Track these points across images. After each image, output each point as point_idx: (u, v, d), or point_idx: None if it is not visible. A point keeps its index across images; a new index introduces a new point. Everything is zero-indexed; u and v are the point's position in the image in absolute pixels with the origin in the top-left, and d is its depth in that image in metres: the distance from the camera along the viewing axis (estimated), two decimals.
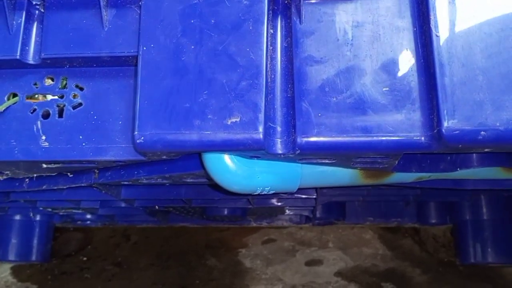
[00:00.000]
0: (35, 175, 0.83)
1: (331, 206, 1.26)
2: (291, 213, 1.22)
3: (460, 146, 0.61)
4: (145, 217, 1.29)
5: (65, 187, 0.87)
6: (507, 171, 0.78)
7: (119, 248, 1.42)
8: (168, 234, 1.43)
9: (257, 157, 0.67)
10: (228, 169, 0.68)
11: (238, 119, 0.63)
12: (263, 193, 0.72)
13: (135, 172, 0.80)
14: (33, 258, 1.28)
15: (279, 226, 1.38)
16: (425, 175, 0.78)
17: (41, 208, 1.15)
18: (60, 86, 0.72)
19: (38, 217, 1.28)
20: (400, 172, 0.74)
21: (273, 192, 0.73)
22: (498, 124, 0.60)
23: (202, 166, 0.72)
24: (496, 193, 1.17)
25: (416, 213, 1.30)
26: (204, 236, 1.43)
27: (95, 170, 0.82)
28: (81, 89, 0.71)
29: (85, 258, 1.38)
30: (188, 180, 0.82)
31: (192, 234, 1.42)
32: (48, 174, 0.82)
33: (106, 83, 0.72)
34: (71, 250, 1.40)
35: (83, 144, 0.70)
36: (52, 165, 0.74)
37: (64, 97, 0.71)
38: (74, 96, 0.71)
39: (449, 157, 0.75)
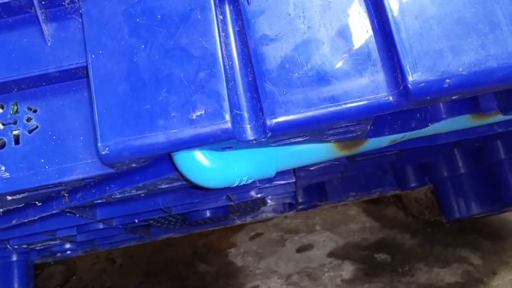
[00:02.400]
0: (1, 210, 0.79)
1: (312, 189, 1.25)
2: (273, 203, 1.20)
3: (428, 97, 0.60)
4: (126, 235, 1.25)
5: (36, 218, 0.83)
6: (475, 117, 0.79)
7: (105, 273, 1.38)
8: (153, 250, 1.40)
9: (229, 148, 0.65)
10: (201, 165, 0.66)
11: (202, 112, 0.61)
12: (241, 184, 0.70)
13: (107, 188, 0.77)
14: None
15: (264, 219, 1.36)
16: (398, 137, 0.77)
17: (16, 247, 1.10)
18: (11, 112, 0.69)
19: (14, 257, 1.23)
20: (373, 137, 0.74)
21: (251, 181, 0.71)
22: (460, 69, 0.59)
23: (174, 168, 0.70)
24: (467, 146, 1.18)
25: (395, 180, 1.31)
26: (190, 244, 1.40)
27: (65, 194, 0.79)
28: (35, 111, 0.68)
29: None
30: (164, 186, 0.80)
31: (177, 245, 1.39)
32: (15, 207, 0.78)
33: (60, 100, 0.69)
34: (55, 284, 1.35)
35: (46, 167, 0.67)
36: (18, 196, 0.70)
37: (18, 122, 0.68)
38: (28, 120, 0.68)
39: (418, 114, 0.75)
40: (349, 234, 1.32)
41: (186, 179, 0.69)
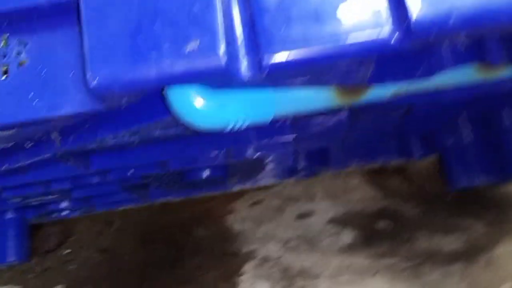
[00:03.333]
0: None
1: (313, 155, 1.23)
2: (273, 167, 1.18)
3: (433, 36, 0.58)
4: (123, 195, 1.24)
5: (27, 164, 0.81)
6: (483, 70, 0.76)
7: (102, 235, 1.37)
8: (151, 213, 1.38)
9: (224, 86, 0.63)
10: (193, 104, 0.63)
11: (196, 46, 0.58)
12: (237, 128, 0.68)
13: (99, 131, 0.75)
14: (11, 259, 1.22)
15: (264, 186, 1.34)
16: (401, 88, 0.74)
17: (10, 200, 1.09)
18: (1, 45, 0.67)
19: (9, 215, 1.22)
20: (375, 83, 0.71)
21: (247, 125, 0.68)
22: (467, 5, 0.56)
23: (167, 109, 0.68)
24: (474, 113, 1.15)
25: (399, 148, 1.28)
26: (188, 209, 1.38)
27: (56, 137, 0.77)
28: (25, 45, 0.66)
29: (67, 251, 1.32)
30: (158, 133, 0.77)
31: (175, 210, 1.37)
32: (5, 149, 0.76)
33: (51, 35, 0.67)
34: (51, 245, 1.34)
35: (35, 102, 0.65)
36: (5, 133, 0.68)
37: (7, 56, 0.66)
38: (18, 53, 0.66)
39: (423, 62, 0.72)
40: (350, 203, 1.29)
41: (179, 121, 0.67)
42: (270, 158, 1.12)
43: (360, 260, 1.08)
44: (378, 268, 1.03)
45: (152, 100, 0.71)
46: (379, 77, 0.71)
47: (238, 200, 1.38)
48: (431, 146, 1.28)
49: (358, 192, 1.33)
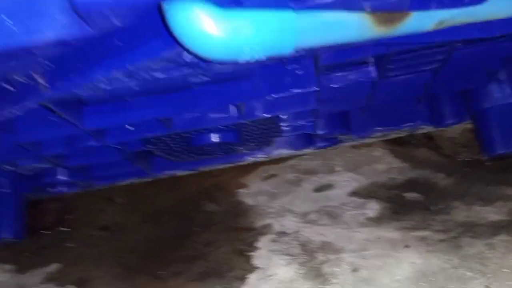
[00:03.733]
0: None
1: (334, 119, 1.11)
2: (288, 132, 1.06)
3: None
4: (125, 168, 1.13)
5: (13, 113, 0.71)
6: None
7: (104, 213, 1.26)
8: (156, 190, 1.27)
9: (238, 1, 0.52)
10: (202, 25, 0.52)
11: None
12: (252, 60, 0.56)
13: (89, 72, 0.63)
14: (5, 235, 1.11)
15: (279, 158, 1.22)
16: (447, 17, 0.62)
17: (1, 169, 0.99)
18: None
19: (3, 188, 1.11)
20: (417, 11, 0.59)
21: (264, 57, 0.57)
22: None
23: (166, 43, 0.56)
24: None
25: (429, 113, 1.15)
26: (197, 185, 1.28)
27: (41, 81, 0.66)
28: None
29: (65, 229, 1.22)
30: (159, 76, 0.66)
31: (183, 185, 1.27)
32: None
33: None
34: (49, 222, 1.24)
35: (15, 28, 0.54)
36: None
37: None
38: None
39: None
40: (373, 174, 1.18)
41: (183, 48, 0.56)
42: (286, 122, 1.00)
43: (388, 233, 0.97)
44: (410, 241, 0.92)
45: (149, 30, 0.60)
46: (421, 3, 0.59)
47: (251, 173, 1.27)
48: (464, 111, 1.15)
49: (381, 163, 1.21)
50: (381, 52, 0.79)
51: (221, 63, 0.59)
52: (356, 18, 0.58)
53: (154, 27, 0.58)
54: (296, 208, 1.12)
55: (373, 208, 1.06)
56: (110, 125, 0.84)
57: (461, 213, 0.98)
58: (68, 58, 0.61)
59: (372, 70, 0.90)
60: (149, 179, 1.25)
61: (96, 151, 0.99)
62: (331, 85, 0.90)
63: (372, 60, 0.87)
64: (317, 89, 0.81)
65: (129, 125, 0.86)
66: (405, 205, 1.05)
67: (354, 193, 1.13)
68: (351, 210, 1.06)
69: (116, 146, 0.96)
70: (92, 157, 1.03)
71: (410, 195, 1.08)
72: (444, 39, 0.68)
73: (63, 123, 0.79)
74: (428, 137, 1.25)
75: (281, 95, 0.81)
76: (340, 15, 0.57)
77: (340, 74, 0.90)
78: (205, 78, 0.73)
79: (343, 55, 0.79)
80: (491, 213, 0.96)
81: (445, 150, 1.20)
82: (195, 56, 0.58)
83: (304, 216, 1.08)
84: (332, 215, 1.06)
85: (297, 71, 0.81)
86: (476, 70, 0.97)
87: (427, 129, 1.17)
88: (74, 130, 0.82)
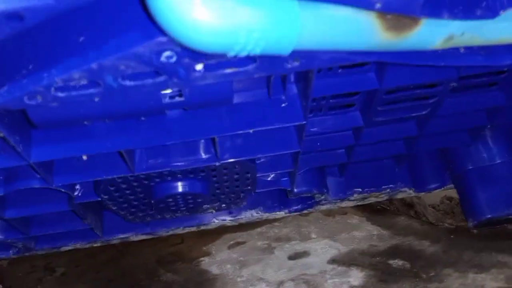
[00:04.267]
0: None
1: (311, 176, 1.01)
2: (263, 180, 0.95)
3: None
4: (74, 224, 0.97)
5: None
6: None
7: (41, 283, 1.07)
8: (105, 257, 1.10)
9: None
10: (191, 7, 0.43)
11: None
12: (245, 51, 0.47)
13: (44, 73, 0.52)
14: None
15: (246, 224, 1.10)
16: (457, 32, 0.57)
17: None
18: None
19: None
20: (429, 17, 0.53)
21: (260, 52, 0.48)
22: None
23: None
24: (502, 127, 0.98)
25: (409, 175, 1.08)
26: (153, 251, 1.12)
27: None
28: None
29: None
30: (128, 83, 0.55)
31: (137, 252, 1.11)
32: None
33: None
34: None
35: None
36: None
37: None
38: None
39: (486, 2, 0.55)
40: (353, 241, 1.07)
41: (166, 38, 0.46)
42: (261, 171, 0.90)
43: None
44: None
45: (123, 27, 0.50)
46: (433, 11, 0.53)
47: (216, 240, 1.13)
48: (445, 175, 1.09)
49: (360, 231, 1.11)
50: (372, 87, 0.72)
51: (210, 54, 0.50)
52: (364, 18, 0.51)
53: (130, 11, 0.50)
54: (269, 277, 0.98)
55: (356, 276, 0.94)
56: (61, 157, 0.70)
57: (456, 280, 0.87)
58: (13, 46, 0.50)
59: (357, 114, 0.83)
60: (98, 244, 1.08)
61: (39, 197, 0.84)
62: (312, 129, 0.82)
63: (359, 102, 0.80)
64: (304, 122, 0.72)
65: (85, 156, 0.73)
66: (392, 273, 0.93)
67: (334, 261, 1.01)
68: (333, 278, 0.94)
69: (65, 191, 0.82)
70: (34, 206, 0.87)
71: (396, 263, 0.97)
72: (447, 63, 0.62)
73: (3, 148, 0.66)
74: (408, 204, 1.17)
75: (263, 128, 0.71)
76: (347, 12, 0.50)
77: (323, 117, 0.82)
78: (179, 99, 0.63)
79: (334, 87, 0.72)
80: (488, 280, 0.86)
81: (427, 217, 1.12)
82: (178, 47, 0.49)
83: (278, 285, 0.94)
84: (311, 284, 0.93)
85: (283, 104, 0.72)
86: (461, 124, 0.92)
87: (408, 192, 1.09)
88: (16, 160, 0.69)
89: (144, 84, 0.56)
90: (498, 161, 0.99)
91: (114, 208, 0.92)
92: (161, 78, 0.56)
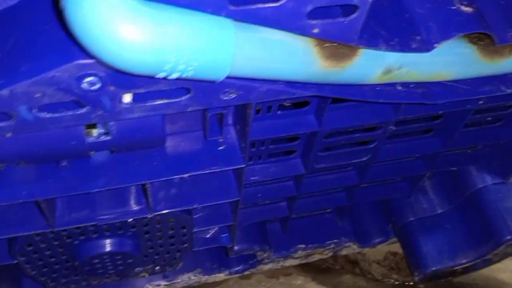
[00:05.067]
0: None
1: (252, 232, 0.96)
2: (201, 236, 0.88)
3: None
4: None
5: None
6: (485, 56, 0.61)
7: None
8: None
9: None
10: (116, 23, 0.39)
11: None
12: (175, 75, 0.43)
13: None
14: None
15: (184, 286, 1.01)
16: (394, 65, 0.56)
17: None
18: None
19: None
20: (366, 47, 0.52)
21: (190, 75, 0.44)
22: None
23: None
24: (440, 177, 0.99)
25: (353, 230, 1.05)
26: None
27: None
28: None
29: None
30: (44, 115, 0.49)
31: None
32: None
33: None
34: None
35: None
36: None
37: None
38: None
39: (420, 36, 0.55)
40: None
41: (88, 58, 0.42)
42: (199, 226, 0.83)
43: None
44: None
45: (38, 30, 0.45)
46: (370, 41, 0.52)
47: None
48: (387, 228, 1.07)
49: None
50: (312, 129, 0.70)
51: (138, 80, 0.45)
52: (302, 44, 0.49)
53: (48, 31, 0.45)
54: None
55: None
56: None
57: None
58: None
59: (298, 162, 0.81)
60: None
61: None
62: (252, 178, 0.78)
63: (300, 148, 0.77)
64: (243, 165, 0.67)
65: None
66: None
67: None
68: None
69: None
70: None
71: None
72: (385, 100, 0.61)
73: None
74: (352, 262, 1.12)
75: (200, 172, 0.66)
76: (285, 37, 0.48)
77: (264, 165, 0.79)
78: (105, 138, 0.58)
79: (273, 129, 0.69)
80: None
81: (373, 274, 1.08)
82: (102, 72, 0.44)
83: None
84: None
85: (220, 147, 0.68)
86: (400, 172, 0.91)
87: (352, 248, 1.05)
88: None
89: (63, 117, 0.51)
90: (440, 211, 0.99)
91: (33, 273, 0.82)
92: (83, 110, 0.50)
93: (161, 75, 0.43)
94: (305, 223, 1.03)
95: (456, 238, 0.96)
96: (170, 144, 0.66)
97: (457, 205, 0.97)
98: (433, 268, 0.96)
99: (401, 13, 0.56)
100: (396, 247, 1.10)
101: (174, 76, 0.44)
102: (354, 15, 0.47)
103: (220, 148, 0.68)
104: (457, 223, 0.97)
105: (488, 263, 0.99)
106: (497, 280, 1.02)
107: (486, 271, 1.00)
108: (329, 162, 0.81)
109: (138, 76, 0.46)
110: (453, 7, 0.55)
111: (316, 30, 0.48)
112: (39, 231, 0.69)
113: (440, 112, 0.75)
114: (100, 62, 0.43)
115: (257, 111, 0.67)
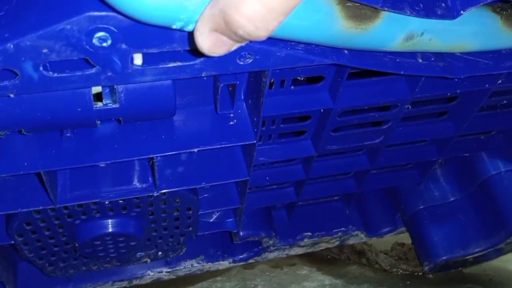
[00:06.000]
0: None
1: (258, 218, 0.93)
2: (206, 220, 0.85)
3: None
4: None
5: None
6: (507, 24, 0.58)
7: None
8: None
9: None
10: None
11: None
12: (191, 26, 0.40)
13: None
14: None
15: (185, 279, 0.98)
16: (417, 30, 0.54)
17: None
18: None
19: None
20: (390, 9, 0.49)
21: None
22: None
23: None
24: (452, 164, 0.96)
25: (361, 219, 1.03)
26: None
27: None
28: None
29: None
30: (50, 75, 0.46)
31: None
32: None
33: None
34: None
35: None
36: None
37: None
38: None
39: (445, 3, 0.53)
40: None
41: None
42: (205, 209, 0.80)
43: None
44: None
45: None
46: (395, 4, 0.50)
47: None
48: (396, 217, 1.05)
49: (311, 281, 1.02)
50: (326, 106, 0.67)
51: (151, 38, 0.43)
52: (326, 7, 0.47)
53: None
54: None
55: None
56: None
57: None
58: None
59: (309, 143, 0.78)
60: None
61: None
62: (260, 158, 0.75)
63: (311, 128, 0.75)
64: (254, 141, 0.64)
65: None
66: None
67: None
68: None
69: None
70: None
71: None
72: (405, 71, 0.58)
73: None
74: (359, 252, 1.10)
75: (209, 147, 0.63)
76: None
77: (273, 145, 0.76)
78: (113, 105, 0.55)
79: (286, 105, 0.66)
80: None
81: (380, 264, 1.05)
82: (114, 27, 0.41)
83: None
84: None
85: (231, 122, 0.65)
86: (412, 156, 0.88)
87: (359, 237, 1.03)
88: None
89: (71, 78, 0.48)
90: (451, 199, 0.96)
91: (30, 255, 0.78)
92: (92, 70, 0.47)
93: (177, 25, 0.40)
94: (312, 210, 1.01)
95: (467, 227, 0.94)
96: (179, 118, 0.64)
97: (469, 193, 0.94)
98: (444, 258, 0.94)
99: None
100: (403, 238, 1.08)
101: (190, 27, 0.41)
102: None
103: (231, 123, 0.65)
104: (469, 212, 0.94)
105: (500, 253, 0.96)
106: (508, 271, 1.00)
107: (496, 262, 0.98)
108: (340, 144, 0.78)
109: (152, 32, 0.43)
110: None
111: None
112: (39, 208, 0.66)
113: (458, 91, 0.72)
114: (113, 12, 0.40)
115: (270, 86, 0.64)
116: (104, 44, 0.44)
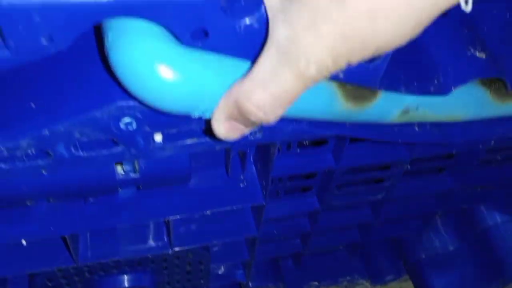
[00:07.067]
0: None
1: (266, 269, 0.97)
2: (218, 272, 0.89)
3: None
4: None
5: None
6: (496, 97, 0.63)
7: None
8: None
9: (204, 34, 0.43)
10: (158, 66, 0.42)
11: None
12: (209, 114, 0.45)
13: None
14: None
15: None
16: (412, 105, 0.59)
17: None
18: None
19: None
20: (386, 89, 0.54)
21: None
22: None
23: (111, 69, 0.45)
24: (452, 215, 1.00)
25: (365, 267, 1.06)
26: None
27: None
28: None
29: None
30: (80, 154, 0.51)
31: None
32: None
33: None
34: None
35: None
36: None
37: None
38: None
39: (437, 80, 0.58)
40: None
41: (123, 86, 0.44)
42: (216, 262, 0.84)
43: None
44: None
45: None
46: (390, 84, 0.55)
47: None
48: (400, 265, 1.08)
49: None
50: (330, 166, 0.72)
51: (171, 121, 0.48)
52: (326, 86, 0.52)
53: (88, 71, 0.48)
54: None
55: None
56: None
57: None
58: None
59: (314, 199, 0.82)
60: None
61: None
62: (268, 214, 0.79)
63: (316, 185, 0.79)
64: (263, 203, 0.69)
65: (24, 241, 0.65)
66: None
67: None
68: None
69: None
70: None
71: None
72: (403, 140, 0.63)
73: None
74: None
75: (221, 209, 0.68)
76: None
77: (280, 201, 0.80)
78: (134, 175, 0.60)
79: (293, 167, 0.71)
80: None
81: None
82: (139, 113, 0.47)
83: None
84: None
85: (241, 184, 0.70)
86: (413, 210, 0.92)
87: (364, 285, 1.06)
88: None
89: (99, 156, 0.53)
90: (451, 248, 1.00)
91: None
92: (118, 149, 0.53)
93: (196, 114, 0.45)
94: (318, 259, 1.04)
95: (467, 276, 0.97)
96: (193, 181, 0.68)
97: (468, 243, 0.98)
98: None
99: (418, 57, 0.59)
100: (407, 285, 1.10)
101: (208, 115, 0.46)
102: (378, 61, 0.50)
103: (241, 185, 0.69)
104: (468, 261, 0.97)
105: None
106: None
107: None
108: (344, 200, 0.82)
109: (173, 116, 0.48)
110: (468, 53, 0.58)
111: (341, 75, 0.50)
112: (62, 267, 0.70)
113: (454, 152, 0.77)
114: (140, 103, 0.45)
115: (278, 149, 0.69)
116: (130, 128, 0.49)
